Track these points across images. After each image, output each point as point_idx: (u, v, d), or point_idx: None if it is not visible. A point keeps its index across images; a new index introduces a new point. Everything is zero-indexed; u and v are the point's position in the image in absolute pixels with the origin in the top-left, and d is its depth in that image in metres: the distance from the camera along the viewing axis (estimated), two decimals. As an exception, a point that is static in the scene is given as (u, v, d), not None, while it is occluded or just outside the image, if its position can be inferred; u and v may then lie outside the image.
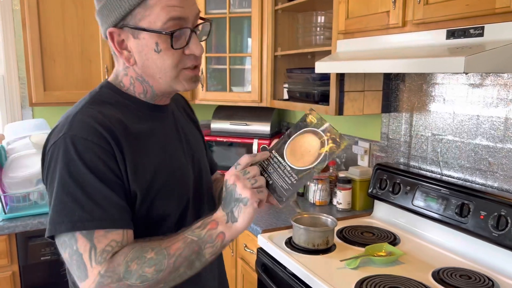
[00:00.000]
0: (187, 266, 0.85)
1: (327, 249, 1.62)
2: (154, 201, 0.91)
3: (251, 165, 0.91)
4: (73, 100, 2.29)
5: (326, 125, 0.92)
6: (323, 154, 0.90)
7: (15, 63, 2.42)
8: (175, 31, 0.86)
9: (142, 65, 0.90)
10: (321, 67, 1.69)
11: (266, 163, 0.94)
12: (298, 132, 0.95)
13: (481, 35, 1.21)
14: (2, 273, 1.93)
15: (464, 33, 1.26)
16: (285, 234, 1.74)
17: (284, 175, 0.93)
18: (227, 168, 0.95)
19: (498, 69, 1.15)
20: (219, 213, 0.90)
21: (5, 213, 1.95)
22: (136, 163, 0.88)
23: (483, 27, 1.20)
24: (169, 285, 0.85)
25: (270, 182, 0.93)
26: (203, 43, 0.95)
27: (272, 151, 0.95)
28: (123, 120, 0.90)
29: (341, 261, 1.50)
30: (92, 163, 0.82)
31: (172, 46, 0.87)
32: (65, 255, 0.82)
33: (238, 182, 0.87)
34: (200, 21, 0.93)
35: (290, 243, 1.66)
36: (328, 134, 0.91)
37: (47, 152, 0.86)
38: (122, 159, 0.86)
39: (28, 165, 2.05)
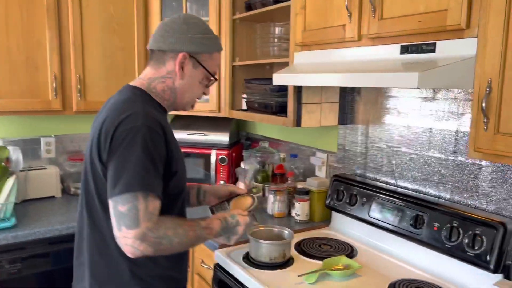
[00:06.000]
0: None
1: (285, 263, 1.59)
2: (180, 179, 1.28)
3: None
4: (18, 109, 2.15)
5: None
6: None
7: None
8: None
9: (184, 84, 1.30)
10: (278, 79, 1.68)
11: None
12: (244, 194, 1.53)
13: (433, 51, 1.24)
14: None
15: (417, 49, 1.28)
16: (244, 248, 1.70)
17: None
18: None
19: (448, 85, 1.17)
20: (219, 229, 1.31)
21: None
22: (172, 150, 1.23)
23: (435, 43, 1.23)
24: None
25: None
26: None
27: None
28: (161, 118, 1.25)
29: (299, 276, 1.47)
30: (158, 148, 1.17)
31: (207, 86, 1.36)
32: (122, 208, 1.11)
33: (243, 226, 1.36)
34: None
35: (247, 258, 1.63)
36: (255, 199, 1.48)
37: (121, 132, 1.15)
38: (167, 147, 1.21)
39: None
